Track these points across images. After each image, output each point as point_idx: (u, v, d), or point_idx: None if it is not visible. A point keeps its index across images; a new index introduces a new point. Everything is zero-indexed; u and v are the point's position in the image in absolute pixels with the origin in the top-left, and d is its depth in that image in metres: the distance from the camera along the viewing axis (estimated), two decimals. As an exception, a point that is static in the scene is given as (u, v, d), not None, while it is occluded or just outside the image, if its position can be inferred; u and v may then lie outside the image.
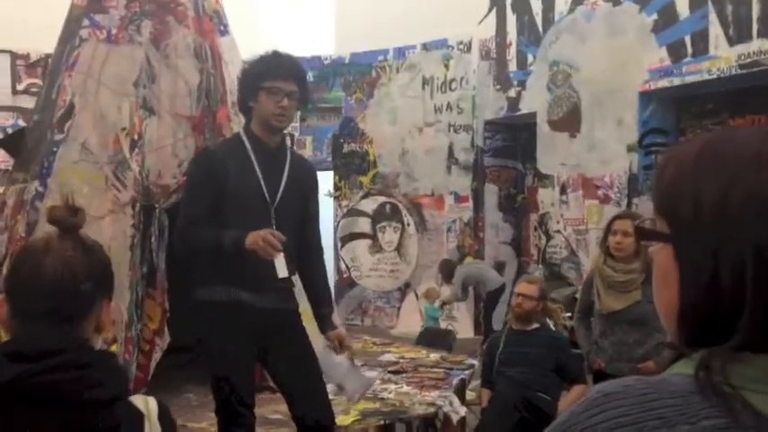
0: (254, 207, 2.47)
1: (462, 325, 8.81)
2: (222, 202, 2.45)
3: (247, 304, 2.44)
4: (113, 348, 3.20)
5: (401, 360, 4.13)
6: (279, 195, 2.52)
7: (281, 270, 2.44)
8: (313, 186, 2.75)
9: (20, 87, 9.51)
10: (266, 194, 2.50)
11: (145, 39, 3.55)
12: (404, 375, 3.78)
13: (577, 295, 7.25)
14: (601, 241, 3.41)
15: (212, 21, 3.78)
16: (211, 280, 2.46)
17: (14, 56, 9.46)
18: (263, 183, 2.50)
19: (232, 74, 3.83)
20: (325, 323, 2.67)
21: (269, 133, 2.53)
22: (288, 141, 2.73)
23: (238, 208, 2.46)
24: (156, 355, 3.36)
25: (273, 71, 2.48)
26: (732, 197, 0.63)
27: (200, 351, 2.57)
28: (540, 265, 7.91)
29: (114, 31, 3.55)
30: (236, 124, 3.76)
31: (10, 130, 9.33)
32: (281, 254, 2.39)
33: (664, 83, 6.71)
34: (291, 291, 2.62)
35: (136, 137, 3.43)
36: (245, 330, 2.42)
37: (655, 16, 6.79)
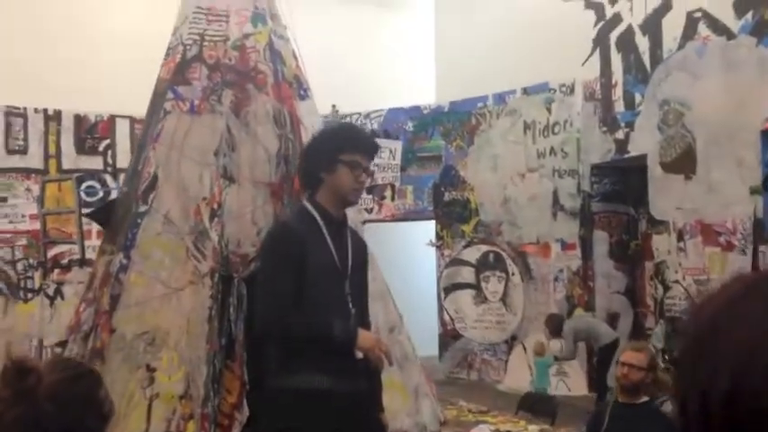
0: (330, 283, 2.37)
1: (574, 381, 8.30)
2: (301, 278, 2.37)
3: (330, 390, 2.30)
4: (189, 426, 3.14)
5: (496, 434, 3.84)
6: (349, 269, 2.43)
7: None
8: (367, 256, 2.66)
9: (136, 150, 10.02)
10: (339, 269, 2.40)
11: (225, 108, 3.57)
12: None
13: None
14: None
15: (291, 86, 3.75)
16: (293, 366, 2.34)
17: (133, 120, 10.01)
18: (335, 257, 2.41)
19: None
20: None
21: (339, 207, 2.43)
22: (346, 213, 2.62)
23: (316, 285, 2.36)
24: (236, 431, 3.27)
25: (355, 145, 2.42)
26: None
27: None
28: (661, 320, 7.34)
29: (197, 103, 3.59)
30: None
31: (127, 191, 9.87)
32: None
33: (788, 120, 6.13)
34: (369, 369, 2.47)
35: (216, 206, 3.42)
36: (327, 418, 2.28)
37: (775, 48, 6.25)
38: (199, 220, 3.40)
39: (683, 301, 7.21)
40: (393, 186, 9.90)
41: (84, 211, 9.57)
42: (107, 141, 9.98)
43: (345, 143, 2.37)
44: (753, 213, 6.45)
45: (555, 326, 7.76)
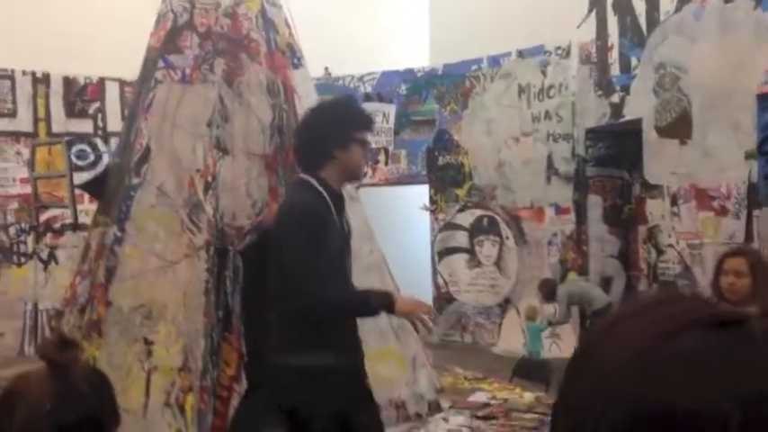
0: (341, 258, 2.40)
1: (567, 344, 8.38)
2: (323, 255, 2.37)
3: (338, 366, 2.31)
4: (188, 398, 3.15)
5: (492, 401, 3.88)
6: (349, 241, 2.44)
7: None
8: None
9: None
10: (344, 243, 2.41)
11: (218, 77, 3.50)
12: (494, 423, 3.53)
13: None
14: (712, 282, 3.03)
15: (285, 55, 3.68)
16: (303, 341, 2.34)
17: (123, 83, 9.87)
18: (341, 233, 2.43)
19: (307, 107, 3.72)
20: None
21: (344, 182, 2.44)
22: None
23: (331, 261, 2.37)
24: (234, 402, 3.28)
25: (366, 123, 2.45)
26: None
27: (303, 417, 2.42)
28: (654, 284, 7.39)
29: (188, 72, 3.52)
30: (311, 160, 3.65)
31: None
32: None
33: (786, 84, 6.09)
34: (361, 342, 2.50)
35: (210, 178, 3.38)
36: (334, 395, 2.29)
37: (773, 11, 6.17)
38: (193, 192, 3.36)
39: (677, 264, 7.25)
40: (386, 150, 9.85)
41: (76, 175, 9.54)
42: (97, 104, 9.85)
43: (358, 121, 2.37)
44: (747, 178, 6.45)
45: (548, 290, 7.81)
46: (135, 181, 3.42)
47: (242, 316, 3.32)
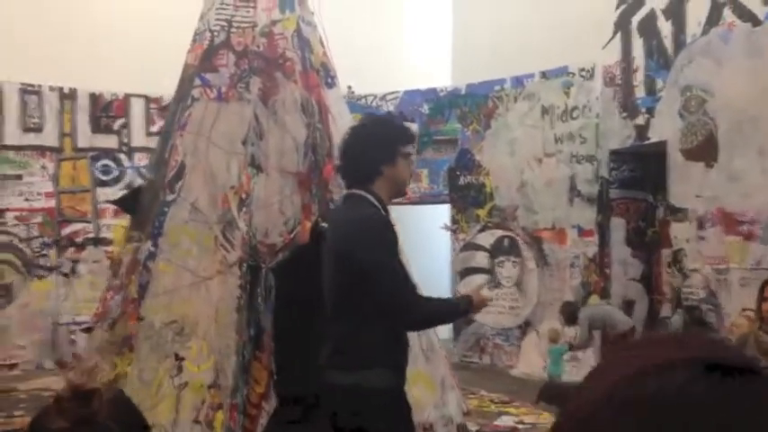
0: (405, 270, 2.46)
1: (588, 368, 8.29)
2: None
3: (396, 387, 2.29)
4: (218, 415, 3.14)
5: (520, 426, 3.84)
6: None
7: None
8: None
9: (153, 129, 10.01)
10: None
11: (254, 96, 3.53)
12: (522, 447, 3.50)
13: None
14: (756, 307, 3.00)
15: (319, 74, 3.71)
16: (372, 362, 2.32)
17: (148, 100, 9.98)
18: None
19: (340, 127, 3.74)
20: None
21: (396, 196, 2.47)
22: None
23: (407, 271, 2.51)
24: (263, 421, 3.27)
25: (411, 138, 2.48)
26: None
27: None
28: (678, 309, 7.30)
29: (224, 90, 3.55)
30: (344, 179, 3.65)
31: (144, 170, 9.87)
32: None
33: (814, 108, 6.04)
34: None
35: (244, 195, 3.39)
36: (403, 418, 2.29)
37: (802, 35, 6.14)
38: (227, 209, 3.38)
39: (702, 289, 7.17)
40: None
41: (100, 190, 9.62)
42: (122, 120, 9.97)
43: (402, 136, 2.38)
44: (775, 203, 6.39)
45: (569, 314, 7.74)
46: (169, 197, 3.44)
47: (273, 333, 3.32)
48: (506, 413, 4.13)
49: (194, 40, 3.73)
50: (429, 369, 3.53)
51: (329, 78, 3.76)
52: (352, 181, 2.41)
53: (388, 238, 2.31)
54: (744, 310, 6.67)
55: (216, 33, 3.61)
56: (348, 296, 2.29)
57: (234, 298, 3.26)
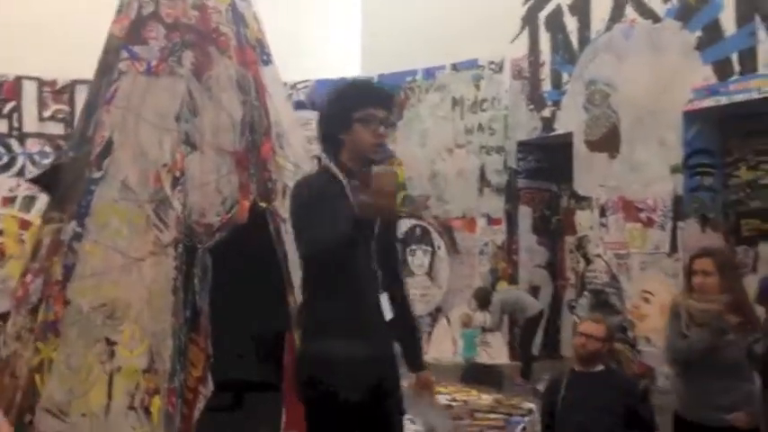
0: (357, 246, 2.27)
1: (497, 352, 8.54)
2: None
3: (357, 355, 2.25)
4: (155, 400, 3.01)
5: (454, 404, 3.90)
6: (375, 232, 2.34)
7: (388, 311, 2.30)
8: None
9: (46, 114, 9.46)
10: (366, 232, 2.30)
11: (186, 70, 3.39)
12: (461, 423, 3.56)
13: (625, 324, 7.04)
14: (683, 282, 3.18)
15: (255, 50, 3.61)
16: (322, 329, 2.29)
17: (41, 82, 9.42)
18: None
19: (277, 105, 3.66)
20: (414, 365, 2.49)
21: (363, 165, 2.33)
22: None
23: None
24: (200, 405, 3.16)
25: (364, 99, 2.33)
26: None
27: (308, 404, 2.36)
28: (585, 292, 7.65)
29: (154, 63, 3.39)
30: (281, 158, 3.58)
31: (37, 157, 9.28)
32: (385, 293, 2.27)
33: (710, 102, 6.47)
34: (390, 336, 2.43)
35: (178, 173, 3.26)
36: (353, 387, 2.23)
37: (699, 33, 6.56)
38: (159, 188, 3.23)
39: (604, 273, 7.54)
40: (320, 159, 9.77)
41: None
42: (13, 104, 9.36)
43: (356, 99, 2.31)
44: (673, 191, 6.80)
45: (482, 298, 7.97)
46: (96, 175, 3.25)
47: (211, 316, 3.21)
48: (437, 392, 4.18)
49: (119, 11, 3.54)
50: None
51: (264, 55, 3.67)
52: (327, 153, 2.37)
53: (303, 199, 2.30)
54: (644, 291, 7.08)
55: (144, 4, 3.44)
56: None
57: (169, 279, 3.13)
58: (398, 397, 2.40)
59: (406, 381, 2.50)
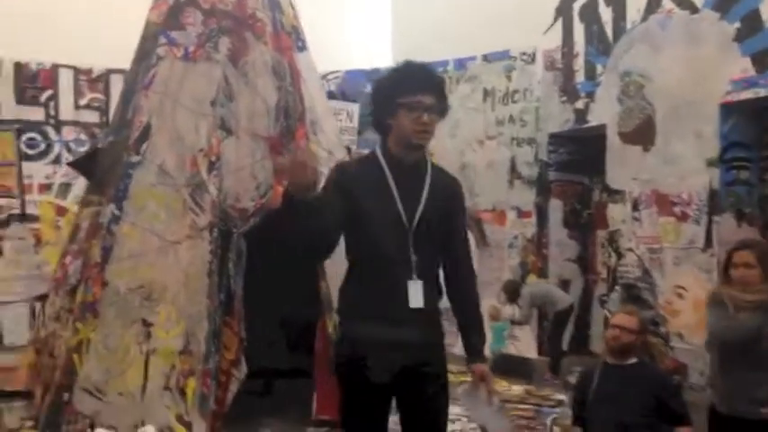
0: (389, 231, 2.31)
1: (525, 346, 8.50)
2: (354, 225, 2.33)
3: (380, 340, 2.26)
4: (190, 382, 3.05)
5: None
6: (417, 218, 2.35)
7: (416, 300, 2.29)
8: (458, 204, 2.56)
9: (82, 102, 9.59)
10: (404, 217, 2.32)
11: (222, 56, 3.42)
12: (491, 411, 3.54)
13: (657, 319, 6.96)
14: (721, 275, 3.15)
15: (290, 36, 3.63)
16: (352, 313, 2.31)
17: (77, 71, 9.55)
18: (400, 205, 2.34)
19: (311, 91, 3.67)
20: (471, 354, 2.49)
21: (408, 151, 2.37)
22: (428, 156, 2.57)
23: (372, 232, 2.33)
24: (233, 387, 3.20)
25: (410, 85, 2.34)
26: None
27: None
28: (616, 287, 7.57)
29: (192, 49, 3.42)
30: (315, 144, 3.59)
31: (73, 145, 9.42)
32: (419, 281, 2.27)
33: (748, 94, 6.35)
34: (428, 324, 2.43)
35: (213, 158, 3.29)
36: (378, 371, 2.25)
37: (737, 24, 6.44)
38: (195, 172, 3.26)
39: (636, 268, 7.46)
40: (350, 149, 9.80)
41: (25, 165, 9.13)
42: (49, 92, 9.51)
43: (402, 85, 2.32)
44: (708, 185, 6.69)
45: (512, 291, 7.93)
46: (134, 159, 3.29)
47: (244, 299, 3.24)
48: (467, 381, 4.18)
49: (157, -3, 3.59)
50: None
51: (299, 42, 3.69)
52: (379, 137, 2.40)
53: (326, 185, 2.36)
54: (677, 287, 6.99)
55: (182, -10, 3.48)
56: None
57: (205, 262, 3.16)
58: (441, 384, 2.40)
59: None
